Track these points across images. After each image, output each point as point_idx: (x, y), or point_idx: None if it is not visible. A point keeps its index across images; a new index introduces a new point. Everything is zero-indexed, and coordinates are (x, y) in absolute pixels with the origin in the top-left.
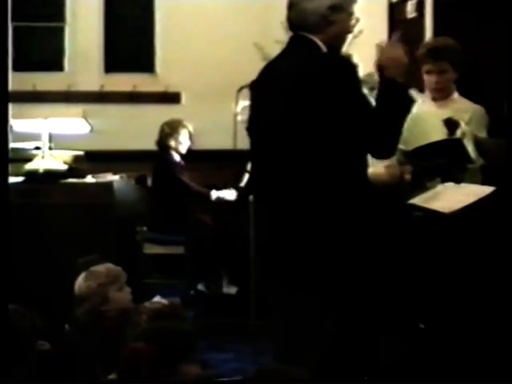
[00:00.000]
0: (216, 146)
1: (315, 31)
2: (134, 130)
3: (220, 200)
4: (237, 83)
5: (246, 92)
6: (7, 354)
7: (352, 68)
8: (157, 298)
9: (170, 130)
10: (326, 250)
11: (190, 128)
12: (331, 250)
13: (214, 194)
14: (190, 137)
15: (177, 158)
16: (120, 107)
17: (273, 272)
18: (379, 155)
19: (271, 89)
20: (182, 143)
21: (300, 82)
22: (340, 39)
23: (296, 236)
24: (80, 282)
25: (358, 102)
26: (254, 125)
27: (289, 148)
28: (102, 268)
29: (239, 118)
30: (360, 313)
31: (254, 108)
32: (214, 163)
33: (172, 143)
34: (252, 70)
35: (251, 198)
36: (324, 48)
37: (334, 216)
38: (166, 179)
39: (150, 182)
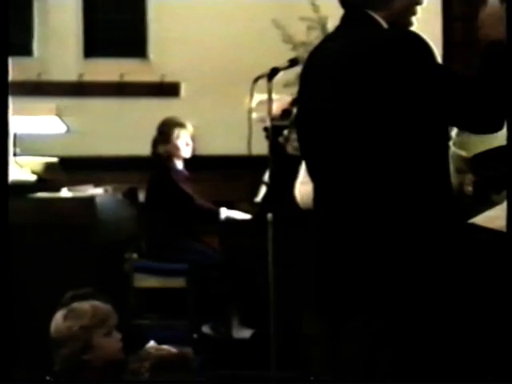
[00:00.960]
0: (225, 150)
1: (376, 7)
2: (122, 130)
3: (230, 220)
4: (251, 72)
5: (264, 83)
6: None
7: (425, 42)
8: (151, 344)
9: (167, 130)
10: (405, 276)
11: (191, 128)
12: (410, 276)
13: (224, 213)
14: (192, 139)
15: (179, 165)
16: (104, 101)
17: (328, 302)
18: (485, 129)
19: (324, 77)
20: (183, 148)
21: (364, 65)
22: (407, 15)
23: (360, 256)
24: (58, 320)
25: (445, 77)
26: (302, 122)
27: (354, 147)
28: (87, 306)
29: (254, 115)
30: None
31: (302, 104)
32: (222, 172)
33: (170, 148)
34: (270, 54)
35: (270, 216)
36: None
37: (413, 233)
38: (164, 191)
39: (141, 196)
